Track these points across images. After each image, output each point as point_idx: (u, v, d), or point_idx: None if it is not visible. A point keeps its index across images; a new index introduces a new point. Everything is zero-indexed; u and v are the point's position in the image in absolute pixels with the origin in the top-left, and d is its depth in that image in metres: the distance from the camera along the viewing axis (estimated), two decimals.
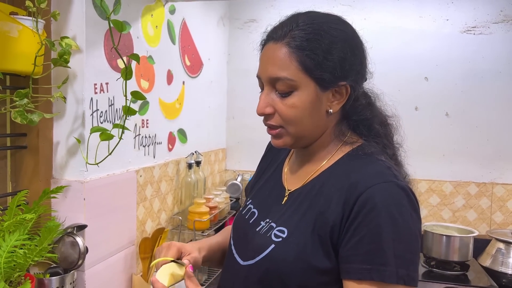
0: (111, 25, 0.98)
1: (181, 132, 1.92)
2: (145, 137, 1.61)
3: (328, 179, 0.84)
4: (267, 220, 0.89)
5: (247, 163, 2.55)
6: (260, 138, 2.46)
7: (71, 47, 1.02)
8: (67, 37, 1.03)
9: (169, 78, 1.79)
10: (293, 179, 0.93)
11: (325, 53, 0.79)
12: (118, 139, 1.16)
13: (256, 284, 0.83)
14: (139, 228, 1.56)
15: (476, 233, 1.86)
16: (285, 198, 0.90)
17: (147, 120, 1.61)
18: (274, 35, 0.82)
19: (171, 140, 1.83)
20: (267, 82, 0.83)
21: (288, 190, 0.91)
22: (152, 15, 1.61)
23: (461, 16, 2.21)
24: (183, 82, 1.93)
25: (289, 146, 0.87)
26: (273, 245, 0.82)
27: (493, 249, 1.89)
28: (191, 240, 1.99)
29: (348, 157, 0.85)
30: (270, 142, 1.12)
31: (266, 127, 0.88)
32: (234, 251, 0.93)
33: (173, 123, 1.84)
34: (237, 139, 2.57)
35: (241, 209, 1.02)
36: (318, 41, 0.79)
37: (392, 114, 0.92)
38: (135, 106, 1.49)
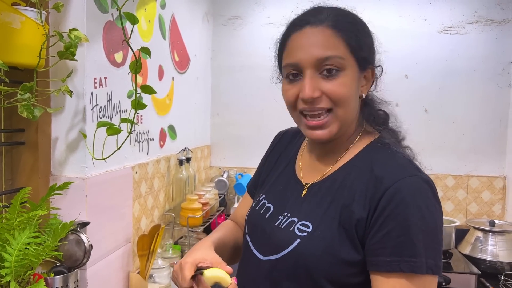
0: (123, 17, 0.97)
1: (171, 128, 1.91)
2: (139, 133, 1.59)
3: (350, 172, 0.84)
4: (285, 213, 0.88)
5: (231, 160, 2.56)
6: (244, 135, 2.50)
7: (80, 40, 1.00)
8: (75, 29, 1.00)
9: (160, 73, 1.77)
10: (310, 173, 0.92)
11: (363, 36, 0.84)
12: (128, 133, 1.14)
13: (282, 278, 0.82)
14: (134, 225, 1.54)
15: (457, 223, 1.95)
16: (305, 192, 0.89)
17: (141, 116, 1.59)
18: (312, 20, 0.82)
19: (162, 136, 1.81)
20: (312, 65, 0.80)
21: (306, 183, 0.90)
22: (145, 9, 1.58)
23: (438, 16, 2.31)
24: (173, 78, 1.91)
25: (333, 136, 0.84)
26: (298, 240, 0.81)
27: (472, 237, 2.00)
28: (181, 237, 1.97)
29: (369, 149, 0.86)
30: (276, 137, 1.12)
31: (304, 118, 0.84)
32: (252, 247, 0.91)
33: (164, 119, 1.82)
34: (221, 135, 2.57)
35: (253, 204, 1.00)
36: (356, 25, 0.84)
37: (388, 100, 0.96)
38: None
